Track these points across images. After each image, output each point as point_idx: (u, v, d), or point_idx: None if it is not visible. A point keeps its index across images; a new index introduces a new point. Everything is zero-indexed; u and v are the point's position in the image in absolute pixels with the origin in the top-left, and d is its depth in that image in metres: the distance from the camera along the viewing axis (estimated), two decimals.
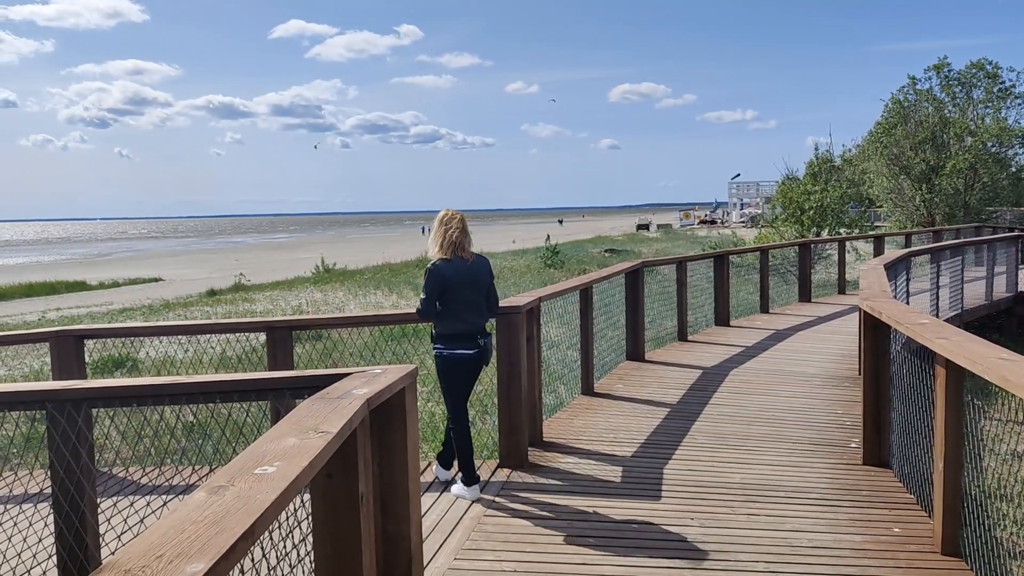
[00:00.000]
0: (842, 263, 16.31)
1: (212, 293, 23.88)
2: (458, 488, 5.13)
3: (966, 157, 31.51)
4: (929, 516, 4.54)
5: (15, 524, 3.91)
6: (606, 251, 36.59)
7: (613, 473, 5.50)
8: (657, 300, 11.13)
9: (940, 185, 31.93)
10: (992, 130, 32.61)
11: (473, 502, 4.98)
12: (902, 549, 4.25)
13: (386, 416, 3.01)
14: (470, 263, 4.97)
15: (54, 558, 3.36)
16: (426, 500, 4.81)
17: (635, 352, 9.48)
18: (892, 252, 12.30)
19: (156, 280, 37.53)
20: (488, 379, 6.85)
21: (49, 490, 3.36)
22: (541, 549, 4.26)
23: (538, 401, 6.26)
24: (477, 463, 5.73)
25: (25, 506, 4.10)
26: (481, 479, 5.35)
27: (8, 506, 4.22)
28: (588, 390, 7.76)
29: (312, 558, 2.57)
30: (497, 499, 5.02)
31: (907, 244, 18.38)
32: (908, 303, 9.06)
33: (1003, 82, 34.18)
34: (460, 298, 4.92)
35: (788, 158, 36.73)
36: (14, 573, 3.86)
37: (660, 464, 5.65)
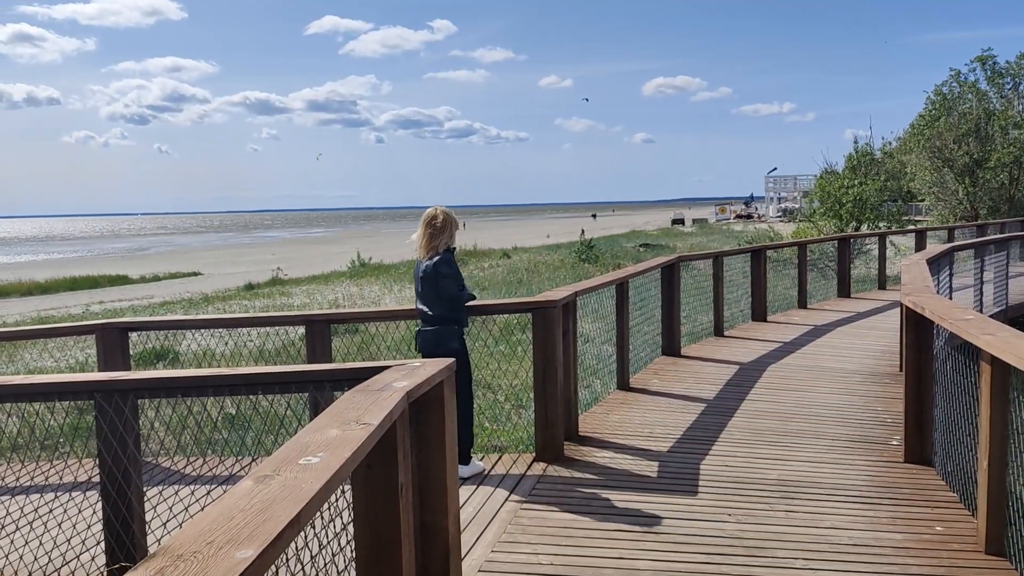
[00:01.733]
0: (882, 258, 16.04)
1: (250, 287, 24.24)
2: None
3: (1010, 150, 30.76)
4: (973, 515, 4.46)
5: (65, 511, 4.02)
6: (640, 246, 36.39)
7: (649, 468, 5.49)
8: (693, 295, 11.05)
9: (984, 178, 31.21)
10: None
11: (509, 495, 5.00)
12: (945, 548, 4.18)
13: (424, 409, 3.04)
14: (420, 259, 5.52)
15: (102, 544, 3.46)
16: (463, 493, 4.84)
17: (671, 347, 9.43)
18: (934, 247, 12.08)
19: (195, 274, 38.14)
20: (524, 373, 6.87)
21: (97, 479, 3.45)
22: (577, 543, 4.27)
23: (573, 395, 6.26)
24: (513, 456, 5.77)
25: (74, 493, 4.21)
26: (516, 473, 5.39)
27: (58, 493, 4.34)
28: (623, 385, 7.74)
29: (352, 547, 2.61)
30: (533, 493, 5.04)
31: (950, 239, 18.02)
32: (951, 299, 8.90)
33: None
34: (417, 290, 5.60)
35: (827, 151, 36.19)
36: (64, 559, 3.97)
37: (696, 459, 5.62)
